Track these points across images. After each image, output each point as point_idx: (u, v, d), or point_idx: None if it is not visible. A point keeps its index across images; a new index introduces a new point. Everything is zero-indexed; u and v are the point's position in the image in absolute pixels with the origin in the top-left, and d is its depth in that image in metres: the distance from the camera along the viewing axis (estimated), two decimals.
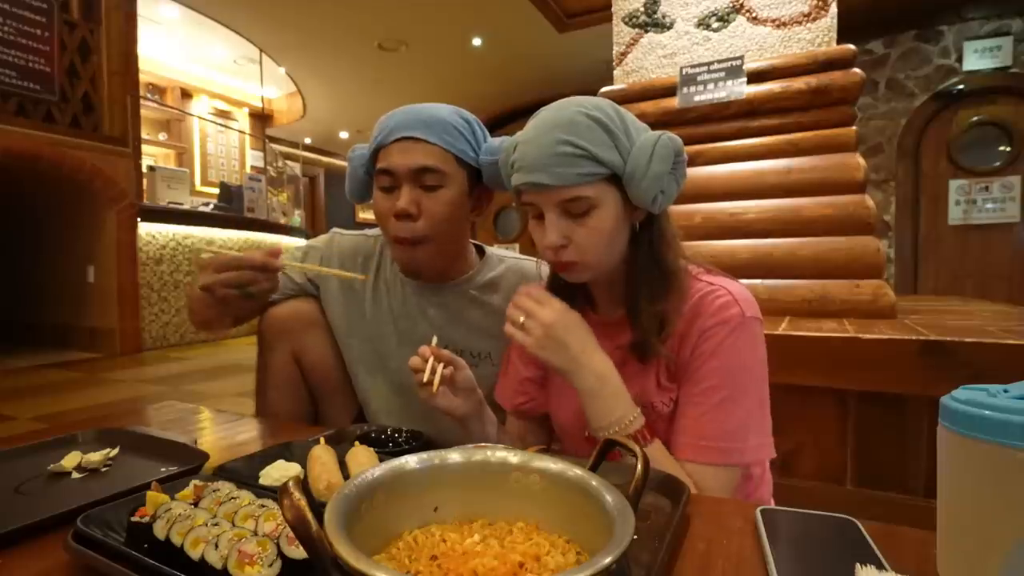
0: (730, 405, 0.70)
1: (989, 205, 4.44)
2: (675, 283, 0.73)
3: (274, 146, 8.47)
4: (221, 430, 0.90)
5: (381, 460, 0.59)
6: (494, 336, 0.99)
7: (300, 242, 6.70)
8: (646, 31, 2.28)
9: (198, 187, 7.11)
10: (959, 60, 4.47)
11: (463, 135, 0.90)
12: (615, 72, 2.36)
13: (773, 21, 2.05)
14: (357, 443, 0.66)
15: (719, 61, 2.05)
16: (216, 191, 5.76)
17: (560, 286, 0.80)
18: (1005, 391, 0.37)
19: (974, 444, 0.36)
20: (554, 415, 0.88)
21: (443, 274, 1.00)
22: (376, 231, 1.06)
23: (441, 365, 0.75)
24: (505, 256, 1.07)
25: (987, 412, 0.35)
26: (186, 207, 4.84)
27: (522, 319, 0.71)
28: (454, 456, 0.45)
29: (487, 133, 0.96)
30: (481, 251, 1.07)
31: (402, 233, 0.89)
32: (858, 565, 0.40)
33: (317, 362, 1.03)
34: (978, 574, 0.37)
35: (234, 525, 0.47)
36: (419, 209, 0.88)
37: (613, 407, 0.70)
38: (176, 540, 0.44)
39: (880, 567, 0.40)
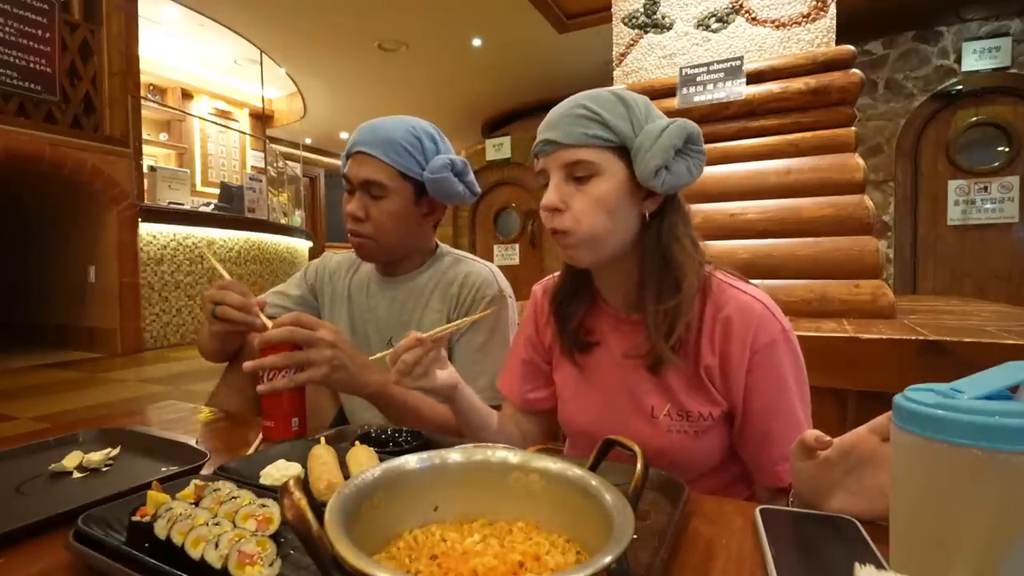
0: (800, 415, 0.71)
1: (988, 205, 4.44)
2: (684, 283, 0.70)
3: (274, 146, 8.48)
4: (222, 429, 0.90)
5: (381, 460, 0.59)
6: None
7: (301, 242, 6.66)
8: (646, 32, 2.28)
9: (199, 187, 7.13)
10: (958, 61, 4.46)
11: (410, 153, 1.02)
12: (615, 73, 2.36)
13: (772, 22, 2.05)
14: (357, 443, 0.67)
15: (719, 62, 2.05)
16: (217, 191, 5.77)
17: (571, 281, 0.80)
18: (959, 391, 0.37)
19: (931, 445, 0.36)
20: (569, 418, 0.86)
21: (394, 269, 1.13)
22: None
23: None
24: (458, 255, 1.15)
25: (940, 412, 0.36)
26: (187, 207, 4.84)
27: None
28: (454, 456, 0.45)
29: (442, 146, 1.06)
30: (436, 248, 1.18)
31: (353, 230, 1.06)
32: (857, 565, 0.39)
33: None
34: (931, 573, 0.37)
35: (235, 525, 0.47)
36: (366, 214, 1.03)
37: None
38: (177, 540, 0.44)
39: (879, 566, 0.40)
